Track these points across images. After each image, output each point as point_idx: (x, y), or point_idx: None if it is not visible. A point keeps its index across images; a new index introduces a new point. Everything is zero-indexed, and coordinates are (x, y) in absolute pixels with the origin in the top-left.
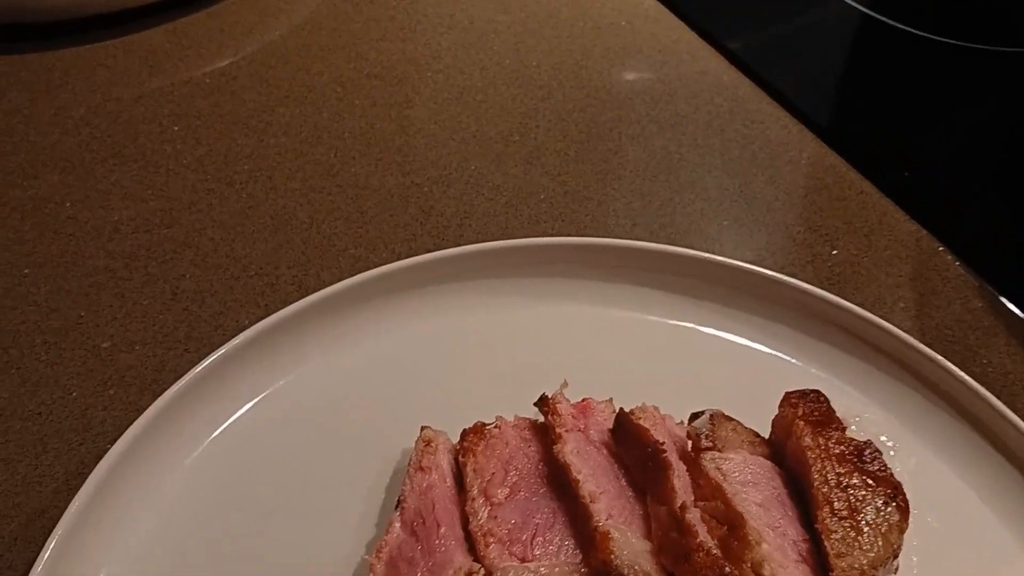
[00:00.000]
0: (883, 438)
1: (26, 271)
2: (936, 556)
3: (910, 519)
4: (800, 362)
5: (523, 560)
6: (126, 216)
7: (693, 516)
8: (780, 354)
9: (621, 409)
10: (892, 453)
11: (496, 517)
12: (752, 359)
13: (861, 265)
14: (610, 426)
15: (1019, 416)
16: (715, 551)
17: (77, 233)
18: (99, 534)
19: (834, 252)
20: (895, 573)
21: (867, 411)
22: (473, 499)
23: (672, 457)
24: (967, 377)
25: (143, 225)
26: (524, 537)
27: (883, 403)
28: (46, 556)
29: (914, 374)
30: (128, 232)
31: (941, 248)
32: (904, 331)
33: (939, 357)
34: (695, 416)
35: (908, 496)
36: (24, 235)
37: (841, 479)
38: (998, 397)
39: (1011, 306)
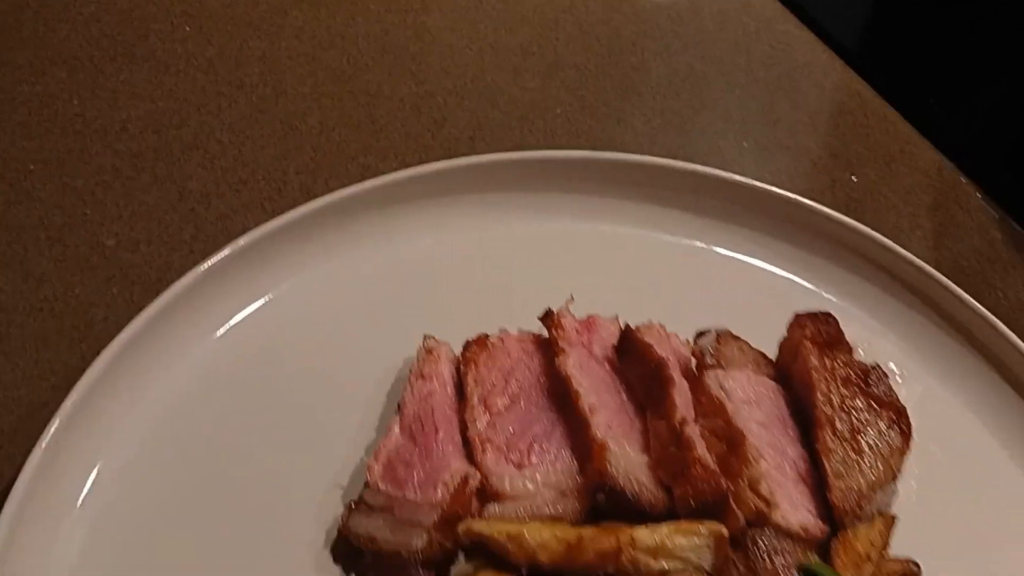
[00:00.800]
0: (891, 365)
1: (32, 167)
2: (936, 483)
3: (912, 445)
4: (813, 286)
5: (519, 467)
6: (134, 115)
7: (692, 431)
8: (793, 276)
9: (626, 325)
10: (899, 380)
11: (494, 425)
12: (765, 281)
13: (880, 193)
14: (615, 343)
15: None
16: (712, 466)
17: (84, 131)
18: (96, 428)
19: (854, 178)
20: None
21: (877, 337)
22: (472, 407)
23: (675, 374)
24: (980, 307)
25: (151, 125)
26: (521, 445)
27: (894, 330)
28: (43, 445)
29: (927, 302)
30: (136, 132)
31: (964, 179)
32: (920, 259)
33: (953, 285)
34: (701, 335)
35: (912, 422)
36: (31, 131)
37: (845, 401)
38: (1011, 329)
39: None
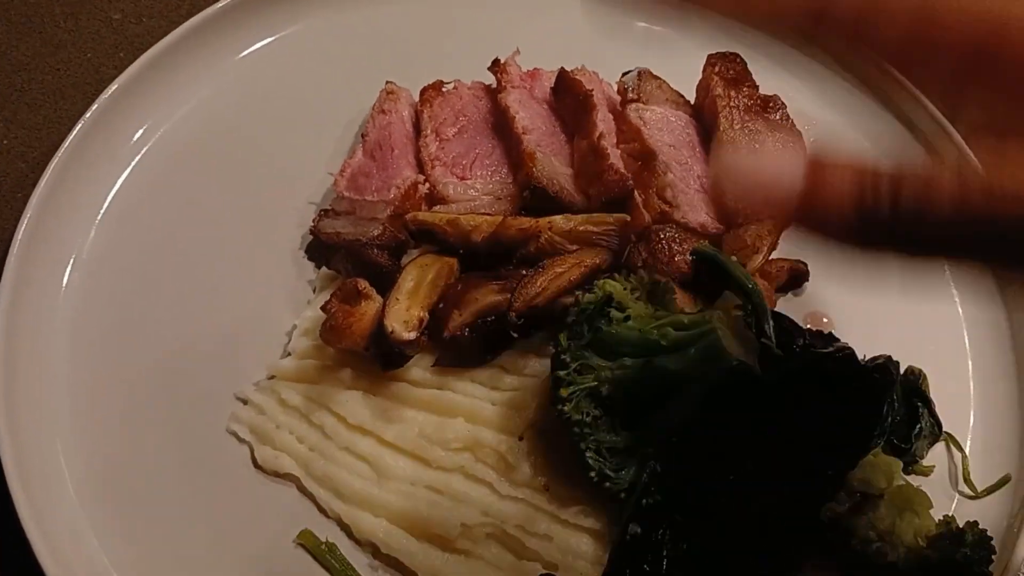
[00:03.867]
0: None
1: None
2: None
3: None
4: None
5: (462, 179)
6: None
7: (608, 144)
8: (716, 40)
9: (562, 68)
10: (808, 128)
11: (443, 148)
12: (694, 47)
13: None
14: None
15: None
16: (622, 170)
17: None
18: (108, 140)
19: None
20: None
21: (794, 93)
22: (425, 136)
23: (599, 103)
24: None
25: None
26: (465, 162)
27: (807, 84)
28: (54, 164)
29: (842, 63)
30: None
31: None
32: None
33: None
34: (626, 73)
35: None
36: None
37: (746, 124)
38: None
39: None
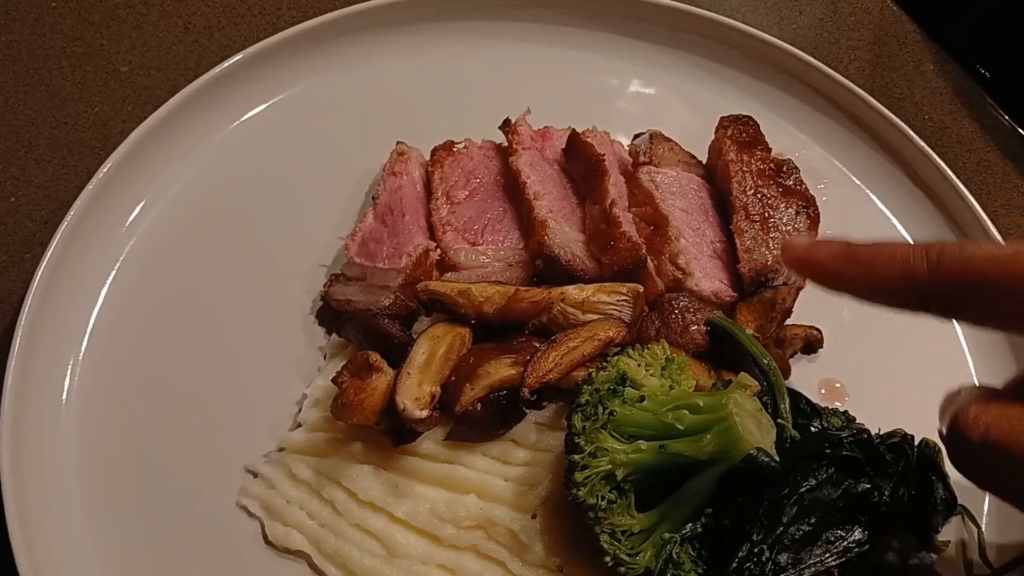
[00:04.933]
0: (818, 170)
1: (53, 4)
2: None
3: (826, 234)
4: (752, 104)
5: (474, 244)
6: None
7: (620, 210)
8: (728, 97)
9: (572, 129)
10: (821, 186)
11: (455, 212)
12: (705, 104)
13: (824, 29)
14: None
15: (948, 166)
16: (635, 238)
17: None
18: (113, 213)
19: (800, 15)
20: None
21: (805, 148)
22: (436, 199)
23: (612, 168)
24: (901, 122)
25: None
26: (476, 227)
27: (820, 142)
28: (57, 238)
29: (854, 119)
30: None
31: (904, 16)
32: (854, 84)
33: (875, 101)
34: (637, 136)
35: (832, 220)
36: None
37: (759, 190)
38: (932, 149)
39: (961, 71)
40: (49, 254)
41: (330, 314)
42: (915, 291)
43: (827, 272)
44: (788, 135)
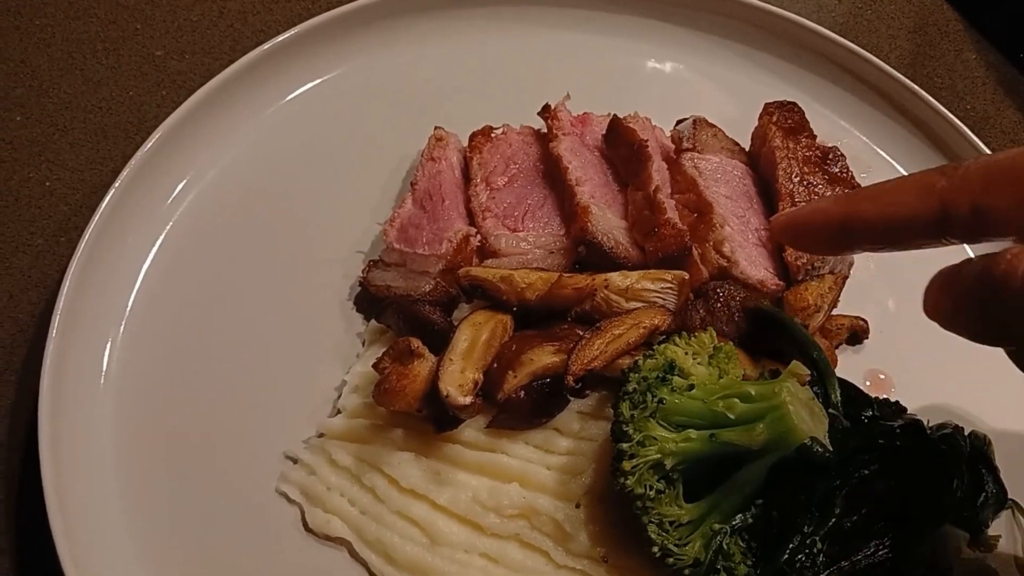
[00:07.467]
0: (862, 158)
1: None
2: (891, 260)
3: None
4: (793, 91)
5: (514, 231)
6: None
7: (664, 196)
8: (768, 84)
9: (614, 115)
10: (864, 175)
11: (494, 198)
12: (744, 91)
13: (864, 17)
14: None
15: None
16: (679, 225)
17: None
18: (153, 195)
19: (839, 3)
20: (850, 267)
21: (846, 136)
22: (475, 185)
23: (654, 153)
24: (945, 110)
25: None
26: (517, 213)
27: (862, 130)
28: (96, 219)
29: (897, 107)
30: None
31: (944, 5)
32: (895, 71)
33: (919, 89)
34: (680, 122)
35: None
36: None
37: (805, 177)
38: (979, 138)
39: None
40: (87, 236)
41: (367, 300)
42: (934, 209)
43: (835, 218)
44: (829, 123)
